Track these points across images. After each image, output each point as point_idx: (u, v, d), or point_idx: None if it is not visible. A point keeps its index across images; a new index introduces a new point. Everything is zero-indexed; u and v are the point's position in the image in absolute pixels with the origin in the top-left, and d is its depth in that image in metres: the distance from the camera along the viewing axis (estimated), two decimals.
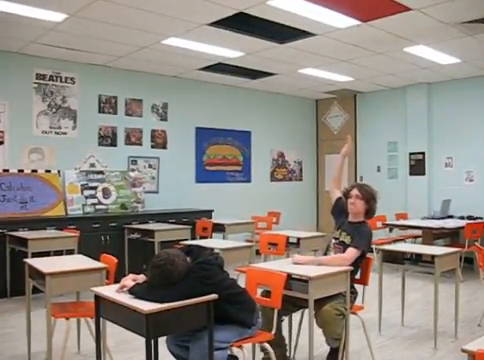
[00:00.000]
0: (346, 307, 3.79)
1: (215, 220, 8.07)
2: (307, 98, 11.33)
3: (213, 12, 5.62)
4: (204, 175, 9.45)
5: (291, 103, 11.03)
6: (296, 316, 4.24)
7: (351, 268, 3.83)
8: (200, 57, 7.55)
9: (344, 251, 4.05)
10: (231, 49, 7.17)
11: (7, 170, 7.08)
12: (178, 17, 5.78)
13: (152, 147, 8.72)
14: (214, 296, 2.94)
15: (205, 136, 9.47)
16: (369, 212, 4.24)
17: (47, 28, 6.11)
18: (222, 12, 5.62)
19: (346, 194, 4.31)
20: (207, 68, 8.33)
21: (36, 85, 7.42)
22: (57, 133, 7.62)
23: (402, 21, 5.87)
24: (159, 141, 8.80)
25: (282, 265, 3.95)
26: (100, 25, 6.02)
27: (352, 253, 3.95)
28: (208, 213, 8.53)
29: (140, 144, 8.56)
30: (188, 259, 3.07)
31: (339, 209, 4.40)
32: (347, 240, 4.12)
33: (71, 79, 7.75)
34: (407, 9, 5.48)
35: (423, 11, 5.54)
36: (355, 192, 4.22)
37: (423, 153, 9.62)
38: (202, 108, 9.40)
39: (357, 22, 5.93)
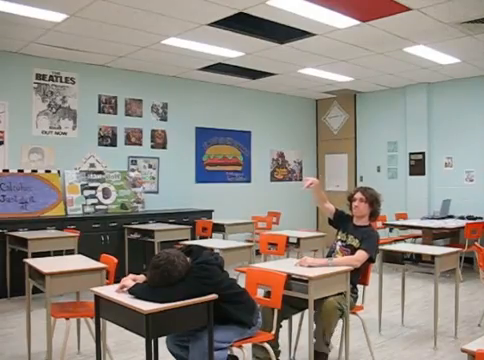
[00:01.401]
0: (347, 305, 3.80)
1: (215, 220, 8.07)
2: (307, 98, 11.33)
3: (213, 12, 5.62)
4: (204, 175, 9.45)
5: (291, 103, 11.03)
6: (296, 317, 4.23)
7: (351, 268, 3.84)
8: (200, 57, 7.55)
9: (352, 254, 4.07)
10: (231, 49, 7.17)
11: (7, 170, 7.08)
12: (178, 17, 5.78)
13: (152, 147, 8.72)
14: (214, 296, 2.94)
15: (205, 136, 9.47)
16: (373, 215, 4.29)
17: (47, 28, 6.11)
18: (222, 12, 5.62)
19: (350, 198, 4.35)
20: (207, 68, 8.33)
21: (36, 85, 7.42)
22: (57, 133, 7.62)
23: (402, 21, 5.87)
24: (159, 141, 8.80)
25: (282, 265, 3.95)
26: (100, 25, 6.02)
27: (363, 256, 3.99)
28: (208, 213, 8.53)
29: (140, 144, 8.56)
30: (188, 259, 3.07)
31: (341, 217, 4.43)
32: (355, 243, 4.14)
33: (71, 79, 7.75)
34: (407, 9, 5.48)
35: (423, 11, 5.54)
36: (359, 195, 4.27)
37: (423, 153, 9.62)
38: (202, 108, 9.40)
39: (357, 22, 5.93)
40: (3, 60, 7.11)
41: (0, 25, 5.98)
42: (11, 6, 5.33)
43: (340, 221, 4.42)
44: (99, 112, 8.10)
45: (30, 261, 4.29)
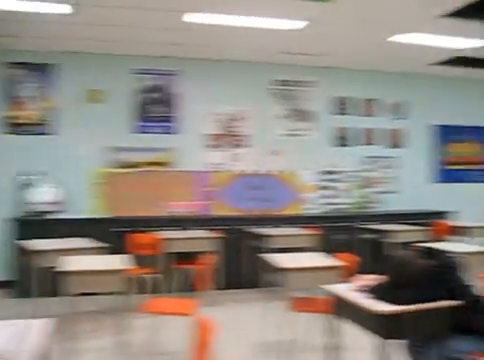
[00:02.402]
0: None
1: (455, 222, 7.65)
2: None
3: (448, 2, 5.31)
4: (443, 174, 9.01)
5: None
6: None
7: None
8: (435, 51, 7.18)
9: None
10: (470, 39, 6.67)
11: (251, 171, 7.69)
12: (411, 11, 5.58)
13: (388, 146, 8.61)
14: (459, 303, 2.80)
15: (444, 134, 9.01)
16: None
17: (288, 37, 6.45)
18: (458, 1, 5.28)
19: None
20: (444, 63, 7.89)
21: (276, 91, 7.91)
22: (295, 135, 8.01)
23: None
24: (395, 140, 8.64)
25: None
26: (338, 27, 6.12)
27: None
28: (447, 214, 8.10)
29: (376, 144, 8.52)
30: (426, 262, 2.98)
31: None
32: None
33: (309, 83, 8.08)
34: None
35: None
36: None
37: None
38: (440, 105, 8.94)
39: None
40: (248, 70, 7.79)
41: (242, 38, 6.52)
42: (255, 20, 5.78)
43: None
44: (335, 114, 8.28)
45: (268, 256, 4.58)
